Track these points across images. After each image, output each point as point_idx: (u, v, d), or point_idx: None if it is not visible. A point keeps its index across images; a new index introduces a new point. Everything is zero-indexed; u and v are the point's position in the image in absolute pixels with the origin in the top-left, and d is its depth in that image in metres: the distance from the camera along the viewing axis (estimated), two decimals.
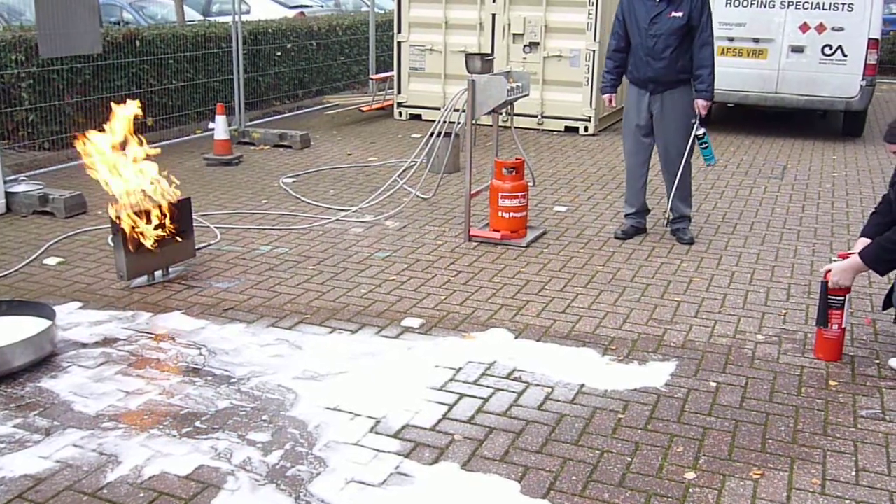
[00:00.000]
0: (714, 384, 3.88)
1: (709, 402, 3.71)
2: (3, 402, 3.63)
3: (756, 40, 9.58)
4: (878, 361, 4.13)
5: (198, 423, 3.48)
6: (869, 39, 9.17)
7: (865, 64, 9.24)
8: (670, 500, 3.01)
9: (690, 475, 3.16)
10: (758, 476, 3.16)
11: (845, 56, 9.29)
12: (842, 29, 9.24)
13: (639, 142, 5.91)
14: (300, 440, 3.35)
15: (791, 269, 5.44)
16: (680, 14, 5.55)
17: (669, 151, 5.86)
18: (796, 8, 9.37)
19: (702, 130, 5.81)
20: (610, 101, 6.07)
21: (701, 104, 5.71)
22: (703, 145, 5.88)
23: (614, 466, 3.21)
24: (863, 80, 9.29)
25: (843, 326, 4.10)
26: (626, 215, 6.10)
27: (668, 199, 5.92)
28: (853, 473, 3.20)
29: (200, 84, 10.04)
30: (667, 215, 6.01)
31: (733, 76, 9.65)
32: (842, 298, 4.06)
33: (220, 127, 8.22)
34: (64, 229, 6.05)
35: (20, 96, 8.01)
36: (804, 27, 9.38)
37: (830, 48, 9.34)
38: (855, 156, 9.01)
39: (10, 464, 3.17)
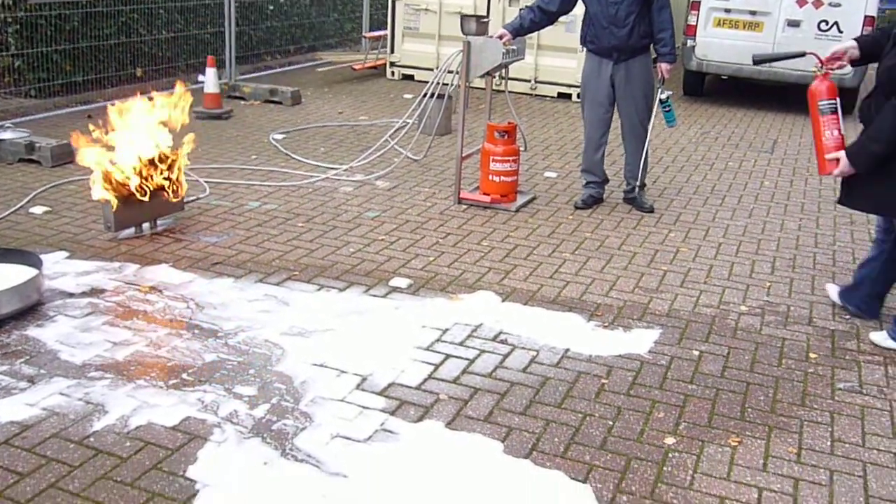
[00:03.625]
0: (697, 353, 3.94)
1: (691, 370, 3.77)
2: None
3: (753, 13, 9.53)
4: (857, 336, 4.19)
5: (185, 376, 3.49)
6: (865, 16, 9.14)
7: None
8: (650, 463, 3.07)
9: (670, 440, 3.22)
10: (736, 443, 3.22)
11: (841, 32, 9.27)
12: (839, 5, 9.21)
13: (600, 113, 5.86)
14: (286, 395, 3.38)
15: (777, 242, 5.48)
16: None
17: (633, 119, 5.83)
18: None
19: (665, 94, 5.78)
20: (502, 36, 5.71)
21: (665, 67, 5.68)
22: (667, 108, 5.84)
23: (596, 430, 3.27)
24: None
25: (842, 132, 4.01)
26: (586, 184, 6.07)
27: (633, 167, 5.88)
28: (828, 443, 3.27)
29: (191, 36, 9.91)
30: (631, 184, 5.98)
31: (728, 48, 9.62)
32: (833, 102, 3.99)
33: (210, 80, 8.14)
34: (51, 178, 6.00)
35: (6, 41, 7.88)
36: (801, 1, 9.34)
37: (826, 24, 9.31)
38: (845, 133, 9.02)
39: None
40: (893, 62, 3.78)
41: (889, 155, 3.81)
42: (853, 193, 4.06)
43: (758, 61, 4.50)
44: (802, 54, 4.34)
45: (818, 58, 4.10)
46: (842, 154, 3.95)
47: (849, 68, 9.46)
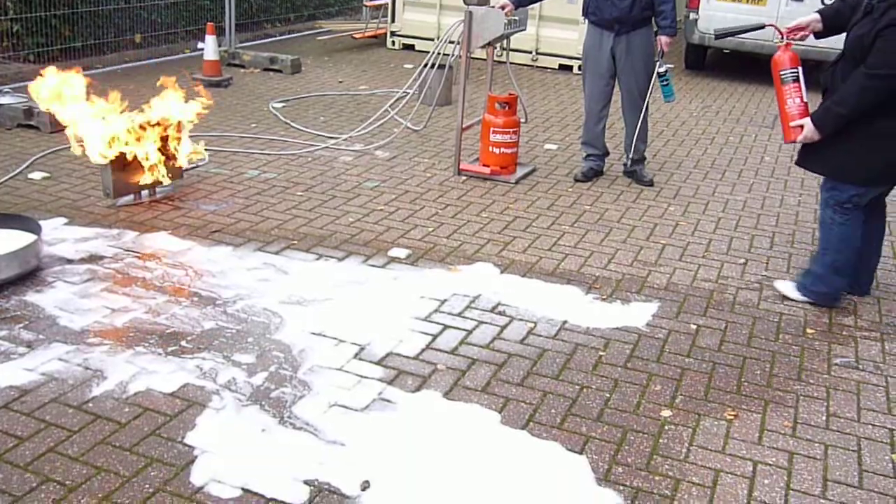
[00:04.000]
0: (694, 326, 3.95)
1: (688, 344, 3.78)
2: None
3: None
4: (855, 312, 4.20)
5: (183, 343, 3.50)
6: None
7: None
8: (646, 436, 3.09)
9: (667, 413, 3.24)
10: (732, 417, 3.24)
11: None
12: None
13: (601, 85, 5.82)
14: (285, 363, 3.39)
15: (776, 217, 5.48)
16: None
17: (633, 92, 5.79)
18: None
19: (664, 68, 5.73)
20: (504, 6, 5.63)
21: (665, 41, 5.63)
22: (665, 82, 5.79)
23: (593, 401, 3.28)
24: None
25: (805, 100, 4.10)
26: (586, 157, 6.05)
27: (632, 140, 5.86)
28: (824, 418, 3.29)
29: (190, 2, 9.81)
30: (630, 157, 5.97)
31: (731, 23, 9.47)
32: (795, 71, 4.07)
33: (209, 47, 8.08)
34: (49, 144, 5.98)
35: (4, 5, 7.81)
36: None
37: None
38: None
39: None
40: (863, 31, 3.82)
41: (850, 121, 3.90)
42: (808, 157, 4.15)
43: (719, 36, 4.57)
44: (762, 26, 4.42)
45: (777, 29, 4.18)
46: (806, 121, 4.02)
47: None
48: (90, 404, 3.06)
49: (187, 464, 2.78)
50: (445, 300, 4.03)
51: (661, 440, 3.07)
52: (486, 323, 3.84)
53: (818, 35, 4.21)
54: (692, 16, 9.77)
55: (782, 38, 4.13)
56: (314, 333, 3.64)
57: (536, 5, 9.55)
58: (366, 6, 11.28)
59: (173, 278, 4.08)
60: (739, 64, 10.75)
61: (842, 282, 4.17)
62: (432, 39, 9.70)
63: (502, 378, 3.40)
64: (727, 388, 3.44)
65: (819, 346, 3.85)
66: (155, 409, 3.05)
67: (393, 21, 10.59)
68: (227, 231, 4.68)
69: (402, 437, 2.99)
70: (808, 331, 3.98)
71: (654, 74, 5.73)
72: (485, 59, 6.27)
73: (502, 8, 5.65)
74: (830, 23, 4.14)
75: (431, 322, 3.82)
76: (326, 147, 6.30)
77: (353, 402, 3.17)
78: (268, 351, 3.48)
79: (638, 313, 4.03)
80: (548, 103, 8.25)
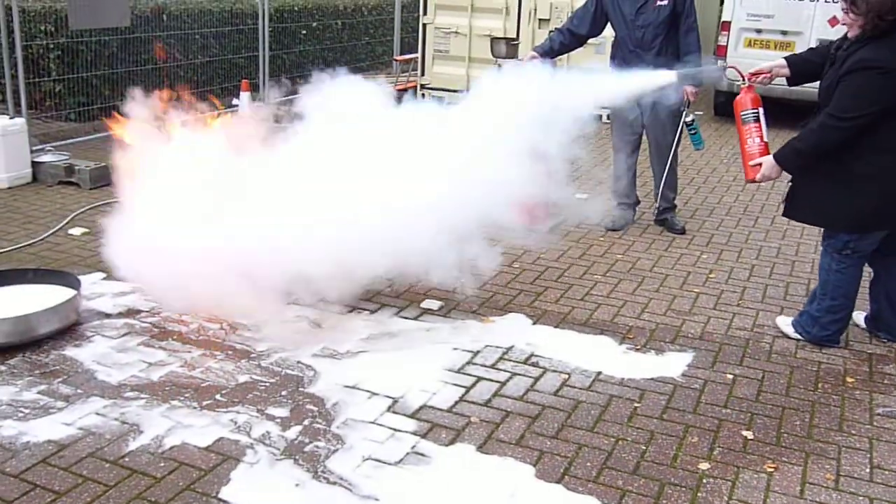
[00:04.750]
0: (731, 376, 3.89)
1: (725, 394, 3.72)
2: (28, 369, 3.70)
3: (784, 33, 9.48)
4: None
5: (218, 396, 3.53)
6: None
7: None
8: (684, 489, 3.03)
9: (704, 466, 3.18)
10: (772, 469, 3.18)
11: None
12: None
13: (629, 135, 5.84)
14: (318, 417, 3.40)
15: (811, 264, 5.42)
16: (665, 2, 5.48)
17: (660, 142, 5.82)
18: (826, 1, 9.26)
19: (691, 117, 5.75)
20: (532, 59, 5.66)
21: (691, 90, 5.61)
22: (693, 131, 5.81)
23: (629, 454, 3.24)
24: None
25: (766, 140, 4.14)
26: (617, 206, 6.06)
27: (658, 189, 5.89)
28: (868, 470, 3.21)
29: (225, 60, 10.07)
30: (659, 205, 5.98)
31: None
32: (756, 111, 4.13)
33: (244, 104, 8.26)
34: (89, 200, 6.12)
35: (48, 67, 8.07)
36: (833, 21, 9.27)
37: None
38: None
39: (34, 429, 3.24)
40: (828, 82, 3.94)
41: (819, 162, 3.96)
42: (797, 205, 4.17)
43: (682, 76, 4.74)
44: (724, 69, 4.52)
45: (739, 72, 4.28)
46: (765, 158, 4.11)
47: None
48: (126, 459, 3.08)
49: None
50: (478, 352, 4.02)
51: (699, 493, 3.02)
52: (519, 374, 3.83)
53: (790, 81, 4.32)
54: (720, 63, 9.81)
55: (744, 80, 4.23)
56: (347, 386, 3.64)
57: (564, 57, 9.66)
58: (396, 60, 11.49)
59: (208, 332, 4.12)
60: (768, 110, 10.72)
61: (838, 325, 4.18)
62: (462, 91, 9.84)
63: (536, 430, 3.37)
64: (766, 440, 3.38)
65: (860, 396, 3.77)
66: (190, 464, 3.06)
67: (423, 74, 10.76)
68: None
69: (436, 491, 2.96)
70: (848, 379, 3.91)
71: (682, 124, 5.76)
72: None
73: (533, 58, 5.72)
74: (798, 69, 4.25)
75: (465, 374, 3.81)
76: None
77: (386, 455, 3.16)
78: (301, 404, 3.49)
79: (673, 363, 3.99)
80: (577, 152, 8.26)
